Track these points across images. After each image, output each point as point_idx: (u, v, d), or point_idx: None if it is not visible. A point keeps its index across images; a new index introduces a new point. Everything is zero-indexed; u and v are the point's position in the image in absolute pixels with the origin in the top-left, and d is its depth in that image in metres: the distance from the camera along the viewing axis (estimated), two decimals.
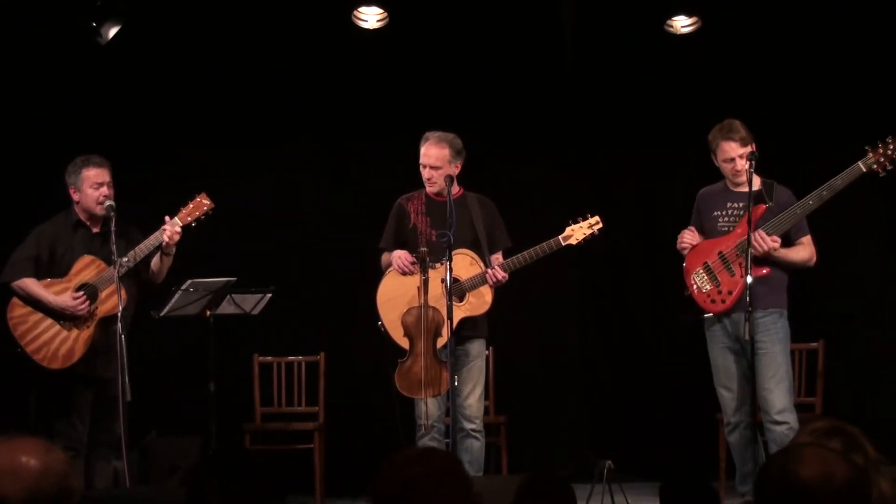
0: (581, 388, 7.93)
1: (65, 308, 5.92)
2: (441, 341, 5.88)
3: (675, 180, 7.91)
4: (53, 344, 5.94)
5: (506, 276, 6.00)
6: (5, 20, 7.06)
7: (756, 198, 5.86)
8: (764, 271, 5.83)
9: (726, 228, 6.00)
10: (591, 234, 6.10)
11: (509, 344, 7.36)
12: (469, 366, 6.06)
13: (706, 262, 5.99)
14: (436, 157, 6.04)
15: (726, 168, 6.00)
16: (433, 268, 5.87)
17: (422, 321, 5.88)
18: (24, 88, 7.40)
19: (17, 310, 5.98)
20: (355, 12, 7.36)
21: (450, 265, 5.64)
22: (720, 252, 5.96)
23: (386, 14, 7.37)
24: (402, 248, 6.11)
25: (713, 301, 5.97)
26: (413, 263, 5.98)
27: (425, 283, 5.84)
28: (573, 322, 8.02)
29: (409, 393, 5.98)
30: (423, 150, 6.09)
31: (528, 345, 7.89)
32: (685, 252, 6.08)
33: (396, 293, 6.02)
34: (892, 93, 7.38)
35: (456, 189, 6.03)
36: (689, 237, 6.07)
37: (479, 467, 6.06)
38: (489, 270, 5.98)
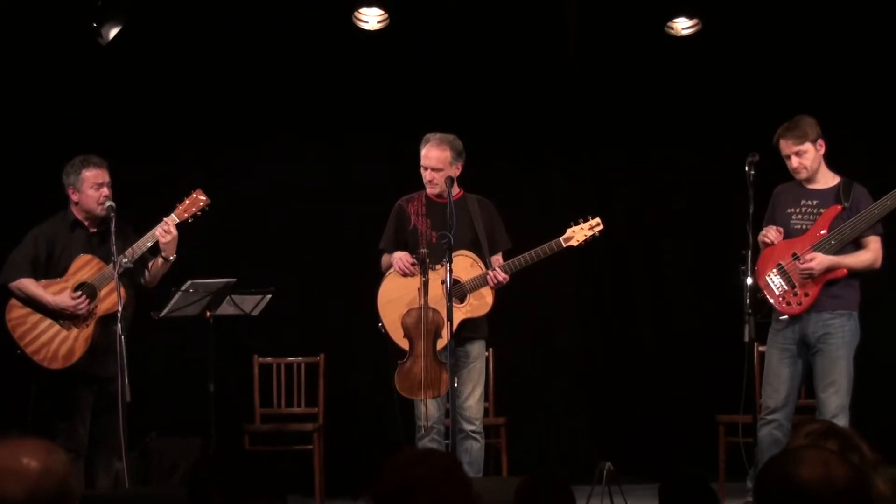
0: (581, 390, 7.90)
1: (64, 308, 5.90)
2: (441, 343, 5.86)
3: (676, 182, 7.91)
4: (53, 344, 5.93)
5: (506, 277, 5.98)
6: (6, 20, 7.06)
7: (832, 197, 5.87)
8: (839, 273, 5.79)
9: (800, 226, 5.89)
10: (592, 236, 6.07)
11: (509, 345, 7.34)
12: (469, 367, 6.05)
13: (780, 264, 5.89)
14: (437, 158, 6.03)
15: (787, 165, 5.96)
16: (433, 269, 5.85)
17: (422, 322, 5.87)
18: (23, 89, 7.39)
19: (16, 311, 5.97)
20: (356, 13, 7.33)
21: (450, 266, 5.63)
22: (794, 253, 5.86)
23: (386, 15, 7.35)
24: (402, 249, 6.10)
25: (788, 303, 5.86)
26: (413, 265, 5.97)
27: (425, 284, 5.83)
28: (574, 324, 8.00)
29: (408, 394, 5.97)
30: (423, 151, 6.08)
31: (529, 346, 7.88)
32: (764, 246, 5.94)
33: (397, 294, 6.01)
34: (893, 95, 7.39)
35: (456, 190, 6.02)
36: (773, 234, 5.92)
37: (478, 468, 6.05)
38: (490, 272, 5.97)
